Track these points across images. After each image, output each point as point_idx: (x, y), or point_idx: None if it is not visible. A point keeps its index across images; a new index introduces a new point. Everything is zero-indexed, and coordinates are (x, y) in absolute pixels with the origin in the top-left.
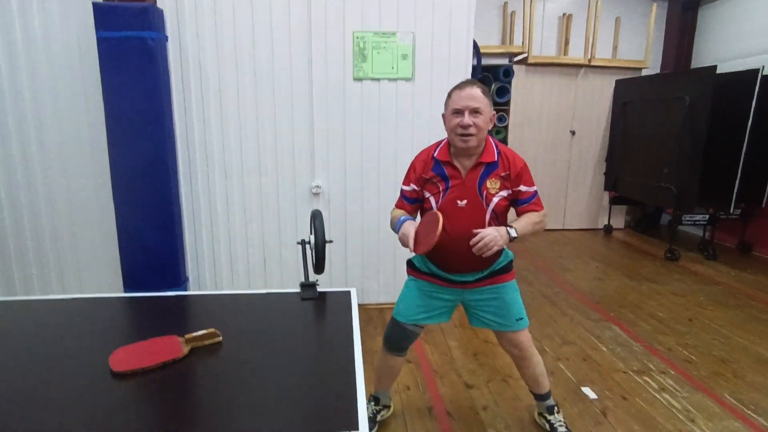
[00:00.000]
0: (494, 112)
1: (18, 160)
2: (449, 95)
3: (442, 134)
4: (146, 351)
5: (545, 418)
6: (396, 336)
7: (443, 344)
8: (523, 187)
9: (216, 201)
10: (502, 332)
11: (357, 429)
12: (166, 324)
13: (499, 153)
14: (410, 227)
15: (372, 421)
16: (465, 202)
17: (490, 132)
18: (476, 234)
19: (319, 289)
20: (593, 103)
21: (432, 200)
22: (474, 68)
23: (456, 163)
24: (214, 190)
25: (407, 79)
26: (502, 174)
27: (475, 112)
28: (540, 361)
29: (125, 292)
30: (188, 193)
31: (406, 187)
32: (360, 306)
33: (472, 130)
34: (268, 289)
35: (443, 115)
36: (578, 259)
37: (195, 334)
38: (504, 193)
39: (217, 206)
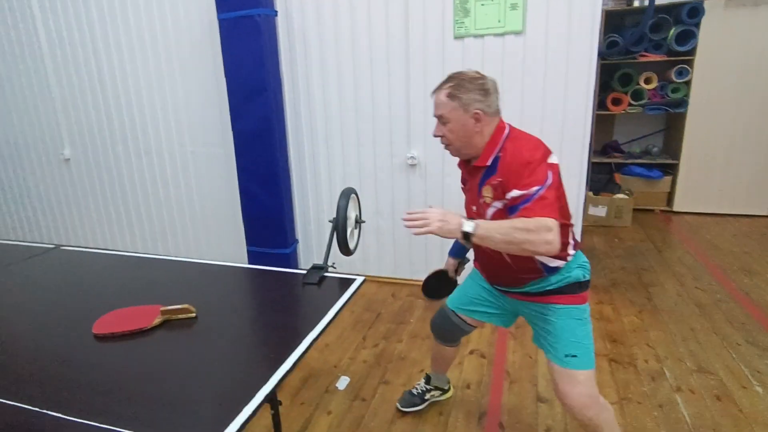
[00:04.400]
0: (477, 111)
1: (163, 134)
2: None
3: (557, 94)
4: (126, 317)
5: None
6: (439, 322)
7: (530, 345)
8: (514, 192)
9: (320, 169)
10: (551, 366)
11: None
12: (153, 292)
13: (498, 153)
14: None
15: (420, 398)
16: (475, 208)
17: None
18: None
19: (337, 273)
20: None
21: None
22: (642, 10)
23: (467, 163)
24: (318, 159)
25: (517, 33)
26: (495, 182)
27: (440, 121)
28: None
29: (248, 249)
30: (296, 160)
31: None
32: None
33: (444, 141)
34: (365, 256)
35: None
36: None
37: (170, 307)
38: (498, 204)
39: (321, 174)
